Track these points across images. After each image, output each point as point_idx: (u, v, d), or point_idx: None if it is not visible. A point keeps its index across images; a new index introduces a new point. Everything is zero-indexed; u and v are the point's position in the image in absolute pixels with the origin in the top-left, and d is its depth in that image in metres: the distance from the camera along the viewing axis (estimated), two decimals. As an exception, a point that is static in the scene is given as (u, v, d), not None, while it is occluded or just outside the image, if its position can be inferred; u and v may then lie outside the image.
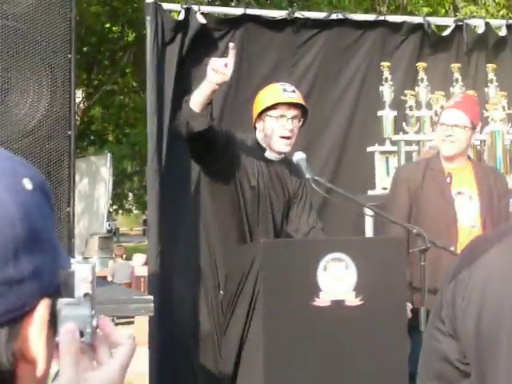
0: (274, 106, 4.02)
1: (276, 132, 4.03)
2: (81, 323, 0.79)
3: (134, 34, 11.67)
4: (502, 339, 1.36)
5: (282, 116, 4.03)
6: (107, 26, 11.80)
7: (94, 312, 0.80)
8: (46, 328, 0.80)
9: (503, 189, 4.45)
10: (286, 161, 4.17)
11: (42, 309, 0.79)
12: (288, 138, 4.04)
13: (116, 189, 14.09)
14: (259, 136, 4.13)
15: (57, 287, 0.81)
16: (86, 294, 0.79)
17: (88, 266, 0.80)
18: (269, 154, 4.12)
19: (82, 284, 0.79)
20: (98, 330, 0.82)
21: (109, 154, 11.56)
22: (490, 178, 4.41)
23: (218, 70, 3.54)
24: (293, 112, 4.05)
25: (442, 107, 5.59)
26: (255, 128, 4.16)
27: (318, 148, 5.77)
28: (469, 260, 1.47)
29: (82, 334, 0.79)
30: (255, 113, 4.13)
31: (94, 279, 0.82)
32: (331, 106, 5.92)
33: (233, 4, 11.41)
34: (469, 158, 4.54)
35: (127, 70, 11.73)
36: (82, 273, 0.78)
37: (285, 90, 4.05)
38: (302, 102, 4.10)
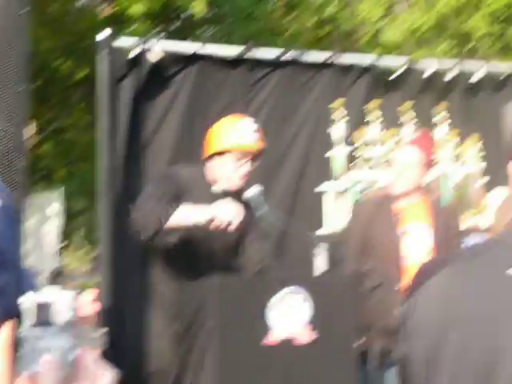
0: (234, 148, 3.99)
1: (233, 172, 4.01)
2: (60, 354, 0.76)
3: (85, 71, 11.62)
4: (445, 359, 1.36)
5: (242, 158, 4.01)
6: (59, 62, 11.75)
7: (74, 342, 0.77)
8: (9, 351, 0.78)
9: (456, 226, 4.49)
10: (231, 194, 4.12)
11: (6, 331, 0.77)
12: (243, 178, 4.04)
13: (66, 225, 13.94)
14: (209, 171, 4.09)
15: (21, 310, 0.79)
16: (66, 323, 0.77)
17: (69, 293, 0.79)
18: (218, 188, 4.08)
19: (63, 312, 0.77)
20: (78, 361, 0.80)
21: (60, 189, 11.45)
22: (444, 214, 4.45)
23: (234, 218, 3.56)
24: (251, 154, 4.03)
25: (396, 144, 5.67)
26: (207, 160, 4.10)
27: (271, 186, 5.78)
28: (418, 283, 1.49)
29: (62, 364, 0.77)
30: (212, 148, 4.06)
31: (75, 307, 0.80)
32: (285, 145, 5.96)
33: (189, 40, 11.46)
34: (422, 193, 4.58)
35: (78, 106, 11.67)
36: (63, 300, 0.76)
37: (247, 131, 3.99)
38: (262, 144, 4.07)
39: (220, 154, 4.02)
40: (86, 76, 11.63)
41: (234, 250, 4.17)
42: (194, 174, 4.09)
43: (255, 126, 4.04)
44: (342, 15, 11.47)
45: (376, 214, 4.41)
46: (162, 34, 10.88)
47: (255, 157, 4.06)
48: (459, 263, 1.47)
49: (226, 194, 4.06)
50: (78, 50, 10.98)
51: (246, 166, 4.01)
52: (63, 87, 11.84)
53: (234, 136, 3.98)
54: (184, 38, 12.46)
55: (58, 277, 12.43)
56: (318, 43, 12.35)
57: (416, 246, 4.37)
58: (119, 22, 10.29)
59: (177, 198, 3.92)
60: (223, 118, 4.16)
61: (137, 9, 8.56)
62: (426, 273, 1.51)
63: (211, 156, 4.06)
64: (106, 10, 10.39)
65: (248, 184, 4.10)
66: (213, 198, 4.05)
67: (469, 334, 1.34)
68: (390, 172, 4.59)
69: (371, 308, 3.94)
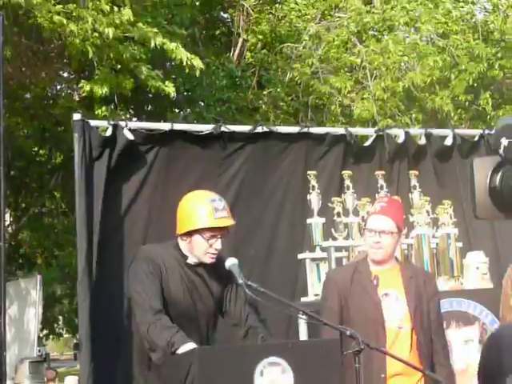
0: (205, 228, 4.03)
1: (204, 250, 4.04)
2: None
3: (61, 157, 11.71)
4: None
5: (212, 236, 4.04)
6: (35, 148, 11.83)
7: None
8: None
9: (433, 290, 4.50)
10: (208, 265, 4.14)
11: None
12: (215, 253, 4.07)
13: (46, 312, 13.79)
14: (183, 244, 4.11)
15: None
16: None
17: None
18: (191, 260, 4.11)
19: None
20: None
21: (38, 276, 11.38)
22: (419, 279, 4.46)
23: None
24: (222, 232, 4.07)
25: (368, 212, 5.72)
26: (179, 236, 4.13)
27: (244, 254, 5.82)
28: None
29: None
30: (184, 227, 4.07)
31: None
32: (256, 214, 6.03)
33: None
34: (397, 259, 4.61)
35: (55, 193, 11.70)
36: None
37: (216, 210, 4.02)
38: (231, 221, 4.10)
39: (190, 233, 4.05)
40: (61, 162, 11.71)
41: (216, 313, 4.19)
42: (167, 250, 4.13)
43: (222, 203, 4.07)
44: (313, 88, 11.67)
45: (352, 280, 4.42)
46: (134, 117, 11.02)
47: (225, 233, 4.10)
48: None
49: (200, 265, 4.10)
50: (55, 135, 11.08)
51: (217, 244, 4.04)
52: (39, 174, 11.89)
53: (202, 216, 4.01)
54: (157, 121, 12.65)
55: (39, 365, 12.25)
56: (289, 116, 12.53)
57: (391, 310, 4.37)
58: (93, 105, 10.42)
59: (160, 279, 3.98)
60: (190, 194, 4.18)
61: (100, 92, 8.70)
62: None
63: (183, 235, 4.10)
64: (79, 94, 10.53)
65: (223, 255, 4.12)
66: (190, 269, 4.08)
67: None
68: (363, 240, 4.61)
69: (356, 372, 3.91)
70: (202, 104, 11.97)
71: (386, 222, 4.39)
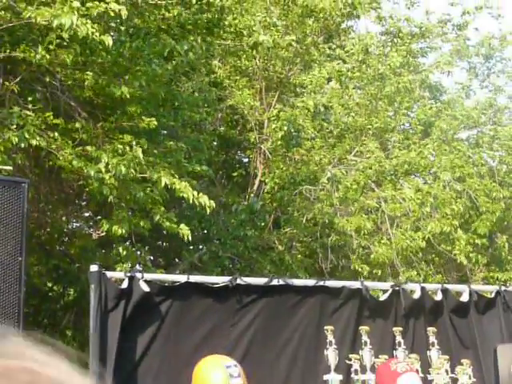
0: None
1: None
2: None
3: (74, 294, 11.67)
4: None
5: None
6: (49, 285, 11.82)
7: None
8: None
9: None
10: None
11: None
12: None
13: None
14: None
15: None
16: None
17: None
18: None
19: None
20: None
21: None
22: None
23: None
24: None
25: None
26: None
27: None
28: None
29: None
30: None
31: None
32: (269, 366, 5.93)
33: (175, 263, 11.60)
34: None
35: (67, 331, 11.61)
36: None
37: (231, 376, 4.00)
38: None
39: None
40: (74, 299, 11.66)
41: None
42: None
43: (237, 370, 4.03)
44: (333, 228, 11.71)
45: None
46: (149, 256, 11.02)
47: None
48: None
49: None
50: (69, 273, 11.07)
51: None
52: (52, 311, 11.83)
53: (224, 381, 3.96)
54: (172, 259, 12.66)
55: None
56: (306, 257, 12.50)
57: None
58: (109, 245, 10.47)
59: None
60: (207, 358, 4.14)
61: (119, 231, 8.76)
62: None
63: None
64: (97, 233, 10.60)
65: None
66: None
67: None
68: None
69: None
70: (218, 242, 12.00)
71: (417, 377, 4.33)
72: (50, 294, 12.32)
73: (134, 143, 8.33)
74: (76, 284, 11.08)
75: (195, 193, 9.04)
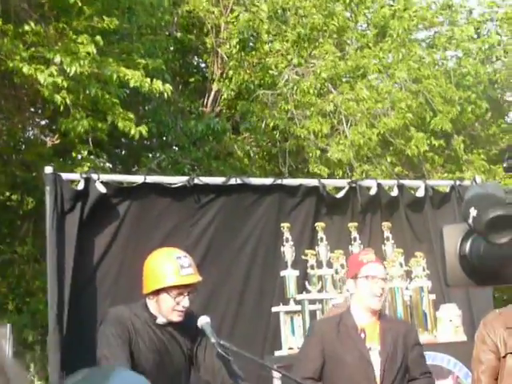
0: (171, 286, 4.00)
1: (172, 307, 4.02)
2: None
3: (33, 203, 11.61)
4: None
5: (179, 294, 4.02)
6: (7, 194, 11.73)
7: None
8: None
9: (413, 341, 4.46)
10: (177, 324, 4.10)
11: None
12: (183, 311, 4.04)
13: (17, 360, 13.58)
14: (151, 304, 4.08)
15: None
16: None
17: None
18: (160, 320, 4.08)
19: None
20: None
21: (8, 325, 11.21)
22: (399, 331, 4.42)
23: None
24: (189, 288, 4.04)
25: (342, 265, 5.73)
26: (147, 295, 4.09)
27: (215, 303, 5.80)
28: None
29: None
30: (150, 286, 4.04)
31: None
32: (228, 264, 6.02)
33: (133, 170, 11.53)
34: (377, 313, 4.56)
35: (27, 239, 11.59)
36: None
37: (182, 267, 4.01)
38: (198, 277, 4.09)
39: (157, 292, 4.03)
40: (33, 208, 11.61)
41: (187, 370, 4.15)
42: (135, 312, 4.10)
43: (188, 260, 4.06)
44: (290, 133, 11.71)
45: (338, 332, 4.38)
46: (108, 164, 10.97)
47: (192, 289, 4.07)
48: None
49: (169, 324, 4.07)
50: (26, 181, 10.99)
51: (184, 302, 4.01)
52: (10, 220, 11.78)
53: (168, 274, 3.99)
54: (131, 165, 12.60)
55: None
56: (265, 164, 12.55)
57: (375, 364, 4.34)
58: (66, 152, 10.37)
59: (128, 342, 3.96)
60: (156, 252, 4.16)
61: (77, 130, 8.64)
62: None
63: (150, 294, 4.07)
64: (52, 141, 10.48)
65: (193, 304, 4.10)
66: (159, 330, 4.06)
67: None
68: (356, 289, 4.49)
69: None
70: (177, 149, 11.95)
71: (383, 270, 4.41)
72: (9, 203, 12.25)
73: (88, 41, 8.18)
74: (34, 193, 11.02)
75: (148, 80, 8.87)
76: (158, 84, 8.78)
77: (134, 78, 8.55)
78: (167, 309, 4.02)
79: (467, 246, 2.69)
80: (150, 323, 4.07)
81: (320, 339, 4.40)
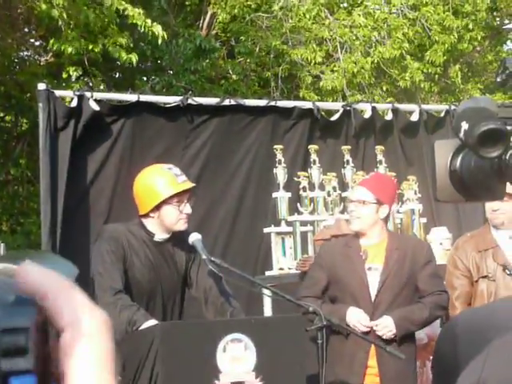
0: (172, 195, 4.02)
1: (176, 217, 4.04)
2: None
3: (27, 124, 11.57)
4: None
5: (180, 202, 4.04)
6: (0, 115, 11.69)
7: None
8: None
9: (424, 259, 4.44)
10: (172, 238, 4.14)
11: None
12: (187, 218, 4.07)
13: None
14: (149, 221, 4.09)
15: None
16: None
17: None
18: (158, 237, 4.10)
19: None
20: None
21: (2, 245, 11.28)
22: (407, 249, 4.44)
23: None
24: (187, 194, 4.07)
25: (334, 188, 5.76)
26: (144, 214, 4.09)
27: (209, 224, 5.84)
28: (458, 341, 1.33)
29: None
30: (150, 203, 4.03)
31: None
32: (222, 186, 6.04)
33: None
34: (388, 232, 4.58)
35: (20, 160, 11.59)
36: None
37: (176, 175, 4.05)
38: (191, 183, 4.13)
39: (158, 206, 4.04)
40: (27, 129, 11.59)
41: (182, 289, 4.20)
42: (131, 229, 4.11)
43: (178, 169, 4.09)
44: (283, 59, 11.62)
45: (341, 254, 4.43)
46: (102, 85, 10.89)
47: (189, 196, 4.10)
48: None
49: (166, 241, 4.10)
50: (20, 102, 10.94)
51: (187, 209, 4.05)
52: (4, 141, 11.75)
53: (165, 186, 4.01)
54: (125, 89, 12.52)
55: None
56: (259, 88, 12.49)
57: (375, 284, 4.39)
58: (59, 73, 10.29)
59: (123, 259, 3.98)
60: (144, 171, 4.16)
61: (69, 50, 8.57)
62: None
63: (150, 211, 4.07)
64: (45, 61, 10.40)
65: (188, 229, 4.13)
66: (155, 247, 4.09)
67: None
68: (348, 211, 4.59)
69: (320, 348, 3.94)
70: (171, 73, 11.87)
71: (363, 193, 4.42)
72: (2, 124, 12.21)
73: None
74: (28, 114, 10.98)
75: (148, 21, 8.85)
76: (157, 28, 8.70)
77: (134, 14, 8.47)
78: (172, 220, 4.03)
79: (458, 160, 2.70)
80: (147, 241, 4.09)
81: (324, 262, 4.47)
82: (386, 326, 4.29)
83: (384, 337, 4.30)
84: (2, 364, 0.52)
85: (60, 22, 8.12)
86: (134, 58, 8.82)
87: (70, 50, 8.48)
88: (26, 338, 0.53)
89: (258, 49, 11.84)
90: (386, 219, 4.52)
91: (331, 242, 5.03)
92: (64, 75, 9.54)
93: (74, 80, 9.78)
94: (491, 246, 4.55)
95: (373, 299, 4.36)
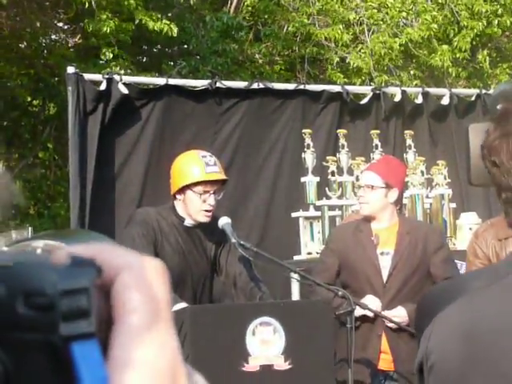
0: (196, 182, 4.04)
1: (198, 206, 4.05)
2: None
3: (55, 108, 11.62)
4: None
5: (205, 192, 4.05)
6: (28, 99, 11.73)
7: None
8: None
9: (436, 243, 4.43)
10: (202, 223, 4.15)
11: None
12: (209, 211, 4.08)
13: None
14: (178, 205, 4.12)
15: None
16: None
17: None
18: (188, 222, 4.13)
19: None
20: None
21: (30, 228, 11.36)
22: (419, 233, 4.42)
23: None
24: (214, 187, 4.08)
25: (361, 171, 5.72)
26: (174, 196, 4.14)
27: (242, 214, 5.83)
28: (429, 313, 1.39)
29: None
30: (176, 184, 4.10)
31: None
32: (254, 173, 6.02)
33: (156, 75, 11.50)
34: (399, 216, 4.56)
35: (48, 144, 11.65)
36: None
37: (207, 165, 4.07)
38: (223, 175, 4.14)
39: (183, 190, 4.07)
40: (55, 113, 11.63)
41: (211, 274, 4.22)
42: (162, 213, 4.14)
43: (213, 159, 4.11)
44: (310, 41, 11.59)
45: (353, 238, 4.42)
46: (130, 69, 10.92)
47: (218, 188, 4.11)
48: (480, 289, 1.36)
49: (196, 226, 4.12)
50: (49, 85, 10.98)
51: (210, 200, 4.05)
52: (32, 125, 11.81)
53: (193, 171, 4.04)
54: (153, 73, 12.53)
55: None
56: (284, 71, 12.45)
57: (384, 271, 4.38)
58: (89, 55, 10.33)
59: (154, 243, 4.01)
60: (182, 154, 4.22)
61: (103, 29, 8.61)
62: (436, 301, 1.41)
63: (176, 193, 4.12)
64: (74, 41, 10.43)
65: (218, 214, 4.14)
66: (186, 232, 4.10)
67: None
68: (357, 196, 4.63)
69: (348, 333, 3.94)
70: (198, 57, 11.87)
71: (371, 177, 4.41)
72: (30, 108, 12.26)
73: None
74: (56, 98, 11.02)
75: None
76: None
77: None
78: (194, 208, 4.06)
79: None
80: (178, 226, 4.11)
81: (335, 246, 4.45)
82: (400, 317, 4.28)
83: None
84: (62, 328, 0.49)
85: (93, 2, 8.16)
86: (175, 28, 8.83)
87: (104, 29, 8.52)
88: (88, 299, 0.50)
89: (284, 31, 11.80)
90: (396, 203, 4.49)
91: (342, 226, 5.02)
92: (101, 56, 9.58)
93: (103, 62, 9.81)
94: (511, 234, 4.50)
95: (385, 282, 4.35)
